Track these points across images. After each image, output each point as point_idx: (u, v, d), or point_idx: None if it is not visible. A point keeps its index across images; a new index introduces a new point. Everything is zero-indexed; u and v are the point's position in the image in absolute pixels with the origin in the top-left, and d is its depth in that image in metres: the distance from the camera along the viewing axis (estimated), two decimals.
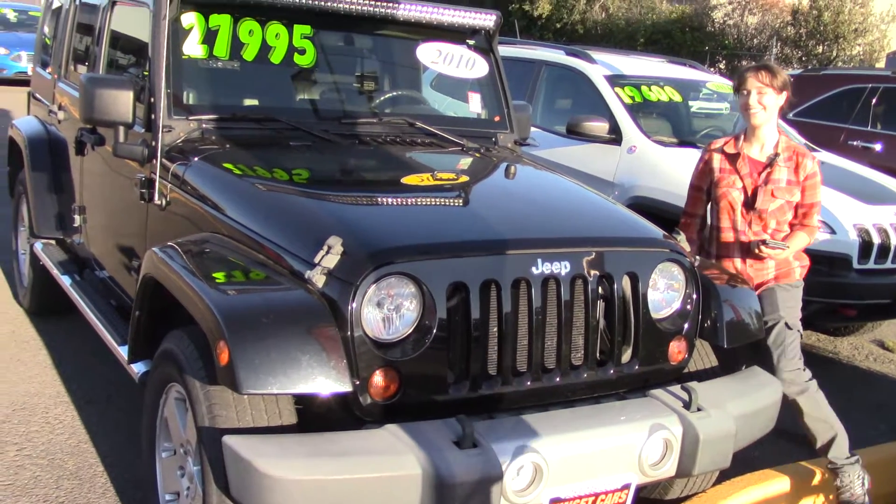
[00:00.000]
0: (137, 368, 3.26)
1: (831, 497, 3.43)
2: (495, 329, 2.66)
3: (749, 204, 3.62)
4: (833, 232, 5.05)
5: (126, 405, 4.17)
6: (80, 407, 4.15)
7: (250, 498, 2.28)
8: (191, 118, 3.47)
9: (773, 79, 3.57)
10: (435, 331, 2.57)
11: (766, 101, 3.57)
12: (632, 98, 6.29)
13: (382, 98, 4.09)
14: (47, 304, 5.20)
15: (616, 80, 6.43)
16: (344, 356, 2.41)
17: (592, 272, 2.81)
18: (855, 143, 8.19)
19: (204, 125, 3.47)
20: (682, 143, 6.04)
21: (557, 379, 2.79)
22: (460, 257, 2.64)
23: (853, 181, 5.73)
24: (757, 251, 3.51)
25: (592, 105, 6.34)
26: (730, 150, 3.72)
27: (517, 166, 3.53)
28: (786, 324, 3.56)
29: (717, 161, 3.76)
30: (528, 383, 2.74)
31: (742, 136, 3.71)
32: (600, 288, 2.85)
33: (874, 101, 8.38)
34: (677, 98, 6.52)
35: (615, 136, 6.05)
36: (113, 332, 3.61)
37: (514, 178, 3.50)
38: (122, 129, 3.41)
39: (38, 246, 4.84)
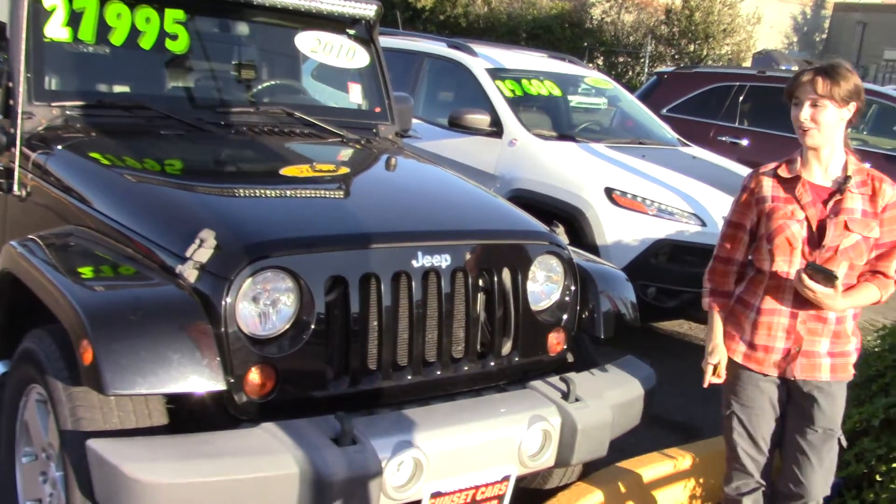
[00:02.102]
0: (2, 368, 3.08)
1: (702, 480, 3.54)
2: (375, 323, 2.63)
3: (814, 241, 2.79)
4: (704, 224, 5.23)
5: None
6: None
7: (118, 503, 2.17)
8: (53, 104, 3.28)
9: (833, 87, 2.71)
10: (313, 326, 2.51)
11: (824, 116, 2.73)
12: (512, 91, 6.35)
13: (260, 87, 3.98)
14: None
15: (497, 73, 6.48)
16: (217, 353, 2.32)
17: (473, 265, 2.81)
18: (723, 138, 8.51)
19: (67, 112, 3.30)
20: (562, 137, 6.14)
21: (438, 372, 2.78)
22: (338, 250, 2.59)
23: (723, 175, 5.95)
24: (800, 281, 2.70)
25: (474, 98, 6.37)
26: (784, 174, 2.86)
27: (398, 158, 3.50)
28: (839, 439, 2.90)
29: (769, 188, 2.88)
30: (409, 377, 2.72)
31: (798, 159, 2.87)
32: (480, 280, 2.85)
33: (741, 98, 8.73)
34: (557, 92, 6.62)
35: (496, 129, 6.10)
36: None
37: (395, 171, 3.46)
38: None
39: None
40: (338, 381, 2.59)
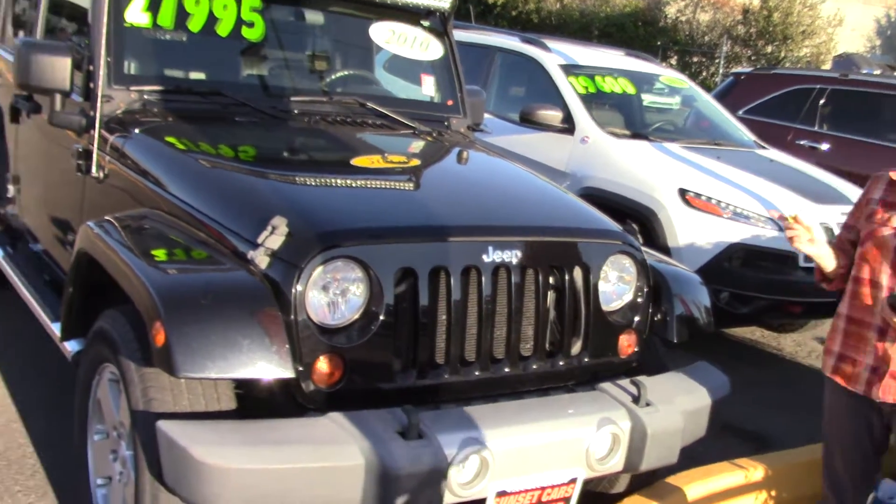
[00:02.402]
0: (71, 347, 3.13)
1: (774, 493, 3.43)
2: (444, 317, 2.59)
3: None
4: (780, 229, 5.08)
5: (59, 383, 4.02)
6: (13, 384, 3.99)
7: (184, 486, 2.18)
8: (132, 88, 3.32)
9: None
10: (382, 317, 2.49)
11: None
12: (585, 88, 6.27)
13: (333, 77, 3.98)
14: None
15: (570, 69, 6.40)
16: (287, 341, 2.31)
17: (544, 262, 2.76)
18: (802, 142, 8.26)
19: (145, 97, 3.33)
20: (635, 136, 6.04)
21: (506, 370, 2.73)
22: (409, 242, 2.56)
23: (802, 180, 5.78)
24: (884, 308, 2.54)
25: (546, 94, 6.30)
26: None
27: (469, 152, 3.46)
28: None
29: (880, 190, 2.74)
30: (477, 373, 2.68)
31: None
32: (551, 278, 2.80)
33: (822, 101, 8.47)
34: (631, 90, 6.52)
35: (568, 126, 6.02)
36: (46, 308, 3.46)
37: (467, 164, 3.42)
38: (58, 96, 3.26)
39: None
40: (405, 374, 2.57)
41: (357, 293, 2.49)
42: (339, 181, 2.93)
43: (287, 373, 2.30)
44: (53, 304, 3.52)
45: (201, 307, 2.26)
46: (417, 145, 3.63)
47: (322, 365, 2.43)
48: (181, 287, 2.35)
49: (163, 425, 2.20)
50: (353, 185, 2.92)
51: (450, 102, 4.11)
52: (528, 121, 6.02)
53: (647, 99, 6.98)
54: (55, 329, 3.33)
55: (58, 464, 3.36)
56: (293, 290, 2.38)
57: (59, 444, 3.51)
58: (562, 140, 6.03)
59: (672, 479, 3.30)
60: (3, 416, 3.69)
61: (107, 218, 2.81)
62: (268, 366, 2.28)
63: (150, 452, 2.33)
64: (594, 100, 6.26)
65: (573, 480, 2.63)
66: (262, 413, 2.53)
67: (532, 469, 2.54)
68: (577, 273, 2.84)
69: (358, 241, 2.48)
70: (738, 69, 13.06)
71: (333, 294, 2.47)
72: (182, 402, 2.39)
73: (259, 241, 2.44)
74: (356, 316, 2.50)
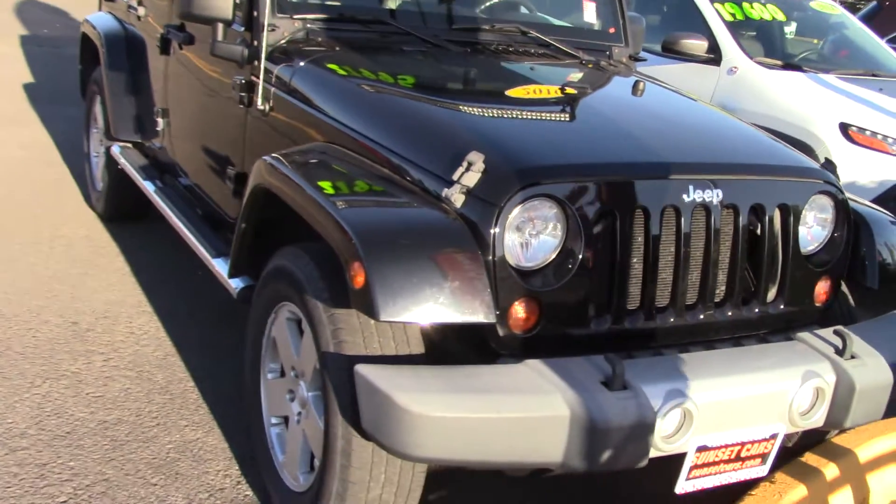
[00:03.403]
0: (235, 284, 3.09)
1: None
2: (641, 260, 2.43)
3: None
4: None
5: (208, 319, 4.03)
6: (164, 318, 4.01)
7: (385, 433, 2.09)
8: (295, 17, 3.20)
9: None
10: (578, 259, 2.35)
11: None
12: (732, 15, 5.92)
13: (492, 3, 3.78)
14: (121, 210, 5.05)
15: None
16: (488, 284, 2.19)
17: (744, 202, 2.56)
18: None
19: (308, 25, 3.21)
20: (787, 66, 5.68)
21: (701, 316, 2.57)
22: (610, 181, 2.39)
23: None
24: None
25: (690, 21, 5.98)
26: None
27: (646, 83, 3.23)
28: None
29: None
30: (671, 320, 2.52)
31: None
32: (750, 219, 2.60)
33: None
34: (780, 17, 6.13)
35: (714, 56, 5.71)
36: (206, 244, 3.43)
37: (647, 97, 3.20)
38: (220, 26, 3.16)
39: (115, 149, 4.64)
40: (599, 320, 2.42)
41: (554, 234, 2.35)
42: (527, 114, 2.76)
43: (489, 317, 2.18)
44: (212, 239, 3.49)
45: (402, 247, 2.15)
46: (589, 76, 3.42)
47: (518, 309, 2.30)
48: (379, 226, 2.24)
49: (362, 370, 2.12)
50: (544, 118, 2.74)
51: (612, 30, 3.88)
52: (671, 50, 5.71)
53: (794, 26, 6.56)
54: (217, 265, 3.30)
55: (221, 399, 3.36)
56: (491, 231, 2.24)
57: (218, 379, 3.51)
58: (706, 71, 5.72)
59: (840, 440, 3.10)
60: (160, 350, 3.71)
61: (283, 153, 2.71)
62: (470, 310, 2.16)
63: (343, 396, 2.26)
64: (741, 27, 5.90)
65: (774, 436, 2.46)
66: (449, 357, 2.44)
67: (734, 423, 2.38)
68: (777, 214, 2.64)
69: (558, 178, 2.33)
70: None
71: (529, 234, 2.33)
72: (373, 344, 2.30)
73: (454, 177, 2.30)
74: (552, 258, 2.36)
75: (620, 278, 2.41)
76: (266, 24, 3.07)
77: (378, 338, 2.31)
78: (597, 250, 2.37)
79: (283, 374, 2.78)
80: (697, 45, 5.66)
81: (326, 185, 2.43)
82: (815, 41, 6.82)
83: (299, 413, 2.63)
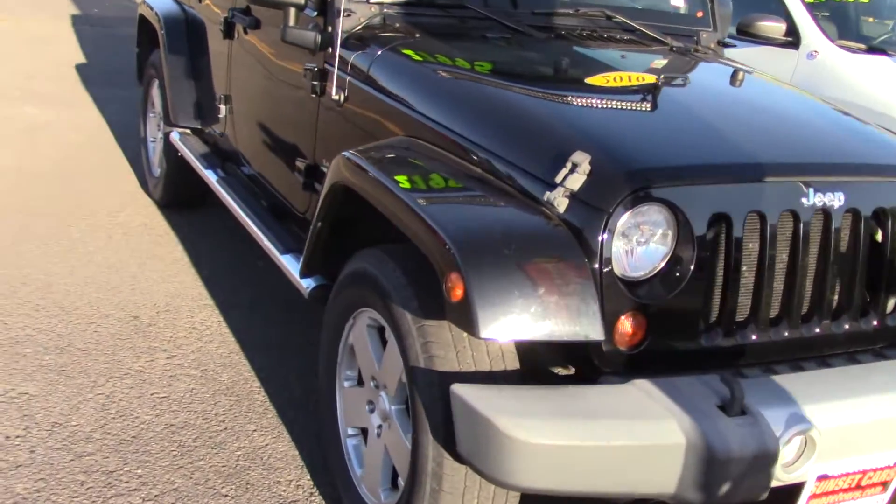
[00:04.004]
0: (307, 283, 2.94)
1: None
2: (756, 269, 2.23)
3: None
4: None
5: (272, 315, 3.89)
6: (226, 313, 3.88)
7: (484, 459, 1.92)
8: (372, 1, 3.02)
9: None
10: (689, 269, 2.15)
11: None
12: None
13: None
14: (179, 197, 4.93)
15: None
16: (598, 298, 2.00)
17: (867, 206, 2.34)
18: None
19: (385, 10, 3.03)
20: (871, 50, 5.38)
21: (816, 329, 2.36)
22: (725, 183, 2.19)
23: None
24: None
25: (765, 2, 5.69)
26: None
27: (745, 73, 3.00)
28: None
29: None
30: (785, 333, 2.32)
31: None
32: (871, 224, 2.38)
33: None
34: None
35: (792, 39, 5.42)
36: (274, 240, 3.27)
37: (749, 88, 2.97)
38: (292, 10, 3.00)
39: (175, 135, 4.52)
40: (709, 334, 2.23)
41: (663, 241, 2.15)
42: (628, 108, 2.56)
43: (599, 334, 1.99)
44: (279, 233, 3.34)
45: (504, 257, 1.97)
46: (685, 64, 3.19)
47: (624, 324, 2.12)
48: (479, 233, 2.05)
49: (459, 391, 1.95)
50: (645, 112, 2.53)
51: (699, 14, 3.64)
52: (746, 33, 5.41)
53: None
54: (286, 262, 3.15)
55: (288, 402, 3.22)
56: (598, 239, 2.06)
57: (284, 380, 3.37)
58: (784, 55, 5.45)
59: None
60: (224, 347, 3.59)
61: (365, 147, 2.54)
62: (579, 326, 1.97)
63: (434, 416, 2.09)
64: (822, 9, 5.61)
65: None
66: (545, 373, 2.27)
67: (857, 450, 2.18)
68: None
69: (670, 182, 2.13)
70: None
71: (637, 242, 2.14)
72: (466, 359, 2.13)
73: (557, 179, 2.12)
74: (660, 267, 2.16)
75: (733, 289, 2.21)
76: (342, 8, 2.89)
77: (471, 352, 2.14)
78: (708, 259, 2.18)
79: (360, 382, 2.63)
80: (775, 27, 5.37)
81: (414, 185, 2.25)
82: (888, 22, 6.49)
83: (380, 426, 2.47)
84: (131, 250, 4.43)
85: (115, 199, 5.10)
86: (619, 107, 2.52)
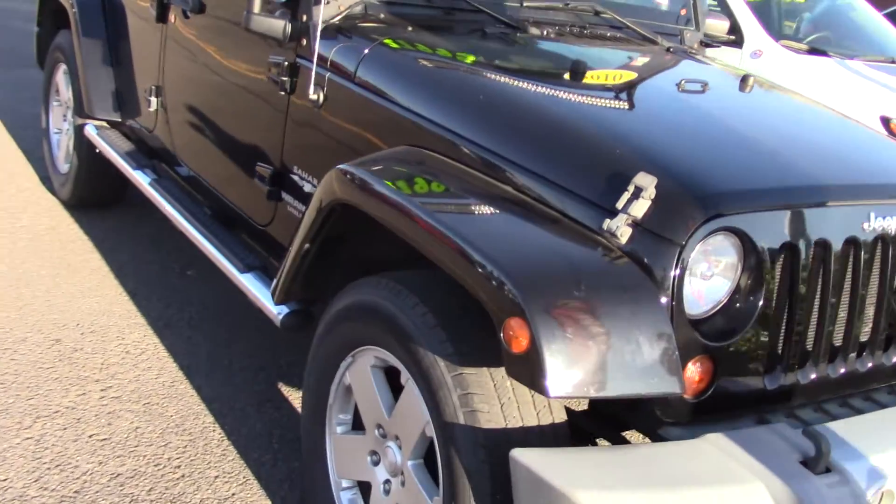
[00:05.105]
0: (278, 310, 2.57)
1: None
2: (818, 301, 2.02)
3: None
4: None
5: (213, 333, 3.48)
6: (160, 332, 3.44)
7: None
8: None
9: None
10: (755, 305, 1.92)
11: None
12: None
13: None
14: (92, 197, 4.42)
15: None
16: (675, 344, 1.73)
17: None
18: None
19: None
20: (813, 51, 5.33)
21: (869, 363, 2.17)
22: (793, 208, 1.95)
23: None
24: None
25: None
26: None
27: (752, 78, 2.78)
28: None
29: None
30: (842, 369, 2.12)
31: None
32: None
33: None
34: None
35: (735, 38, 5.30)
36: (231, 257, 2.87)
37: (776, 100, 2.73)
38: None
39: (90, 129, 4.01)
40: (773, 375, 2.00)
41: (728, 274, 1.91)
42: (676, 121, 2.28)
43: (679, 387, 1.73)
44: (237, 250, 2.93)
45: (575, 300, 1.67)
46: (699, 70, 2.93)
47: (691, 370, 1.86)
48: (542, 270, 1.74)
49: (523, 458, 1.64)
50: (691, 125, 2.26)
51: (682, 11, 3.42)
52: None
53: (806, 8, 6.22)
54: (248, 284, 2.77)
55: (252, 442, 2.84)
56: (669, 274, 1.79)
57: (241, 413, 2.98)
58: (727, 55, 5.31)
59: None
60: (165, 375, 3.16)
61: (367, 160, 2.19)
62: (657, 379, 1.70)
63: (481, 482, 1.78)
64: (762, 8, 5.53)
65: None
66: (594, 425, 2.00)
67: None
68: None
69: (741, 207, 1.88)
70: None
71: (701, 276, 1.88)
72: (512, 414, 1.83)
73: (618, 205, 1.83)
74: (723, 303, 1.92)
75: (798, 324, 1.99)
76: None
77: (517, 404, 1.84)
78: (774, 292, 1.94)
79: (355, 427, 2.29)
80: (717, 25, 5.21)
81: (443, 207, 1.93)
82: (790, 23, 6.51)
83: (387, 482, 2.14)
84: (41, 259, 3.91)
85: (13, 200, 4.53)
86: (669, 119, 2.25)
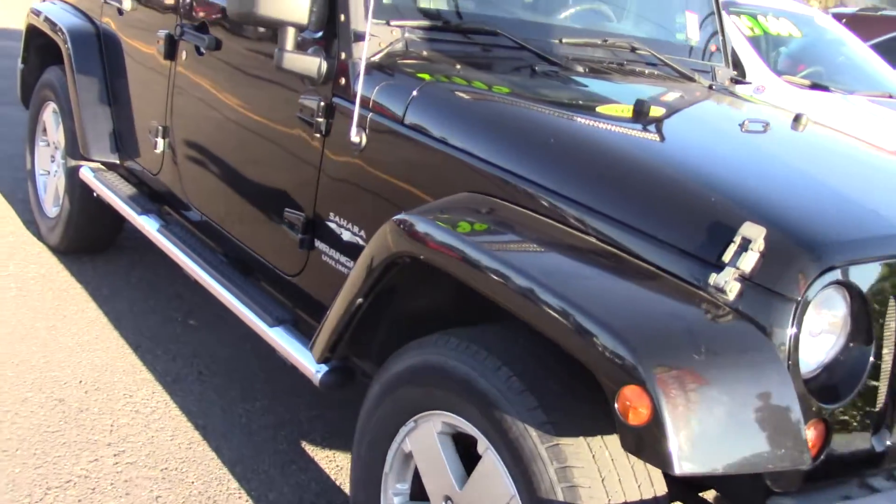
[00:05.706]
0: (316, 368, 2.38)
1: None
2: None
3: None
4: None
5: (224, 388, 3.26)
6: (169, 388, 3.22)
7: None
8: (393, 24, 2.51)
9: None
10: (870, 360, 1.79)
11: None
12: (752, 29, 5.50)
13: (584, 11, 3.16)
14: (84, 243, 4.18)
15: (729, 6, 5.60)
16: (800, 411, 1.59)
17: None
18: None
19: (407, 34, 2.52)
20: (815, 87, 5.30)
21: None
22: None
23: None
24: None
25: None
26: None
27: (806, 118, 2.67)
28: None
29: None
30: None
31: None
32: None
33: None
34: (797, 34, 5.75)
35: (737, 74, 5.25)
36: (259, 311, 2.68)
37: (821, 136, 2.64)
38: (290, 31, 2.44)
39: (86, 171, 3.79)
40: (878, 435, 1.87)
41: (835, 328, 1.77)
42: (766, 166, 2.15)
43: (806, 459, 1.57)
44: (263, 302, 2.74)
45: (697, 366, 1.52)
46: (741, 107, 2.83)
47: (808, 435, 1.71)
48: (659, 333, 1.58)
49: None
50: (782, 170, 2.13)
51: (714, 48, 3.33)
52: None
53: (791, 42, 6.20)
54: (278, 339, 2.57)
55: None
56: (786, 333, 1.65)
57: (267, 477, 2.78)
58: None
59: None
60: (180, 435, 2.94)
61: (429, 208, 2.03)
62: (784, 450, 1.54)
63: None
64: (761, 44, 5.49)
65: None
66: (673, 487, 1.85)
67: None
68: None
69: (851, 258, 1.75)
70: (840, 9, 12.21)
71: (810, 334, 1.75)
72: (613, 486, 1.66)
73: (725, 259, 1.69)
74: (830, 361, 1.78)
75: None
76: (368, 32, 2.36)
77: (618, 476, 1.68)
78: (881, 346, 1.82)
79: (415, 497, 2.10)
80: None
81: (533, 265, 1.77)
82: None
83: None
84: (33, 311, 3.67)
85: None
86: (751, 164, 2.12)
